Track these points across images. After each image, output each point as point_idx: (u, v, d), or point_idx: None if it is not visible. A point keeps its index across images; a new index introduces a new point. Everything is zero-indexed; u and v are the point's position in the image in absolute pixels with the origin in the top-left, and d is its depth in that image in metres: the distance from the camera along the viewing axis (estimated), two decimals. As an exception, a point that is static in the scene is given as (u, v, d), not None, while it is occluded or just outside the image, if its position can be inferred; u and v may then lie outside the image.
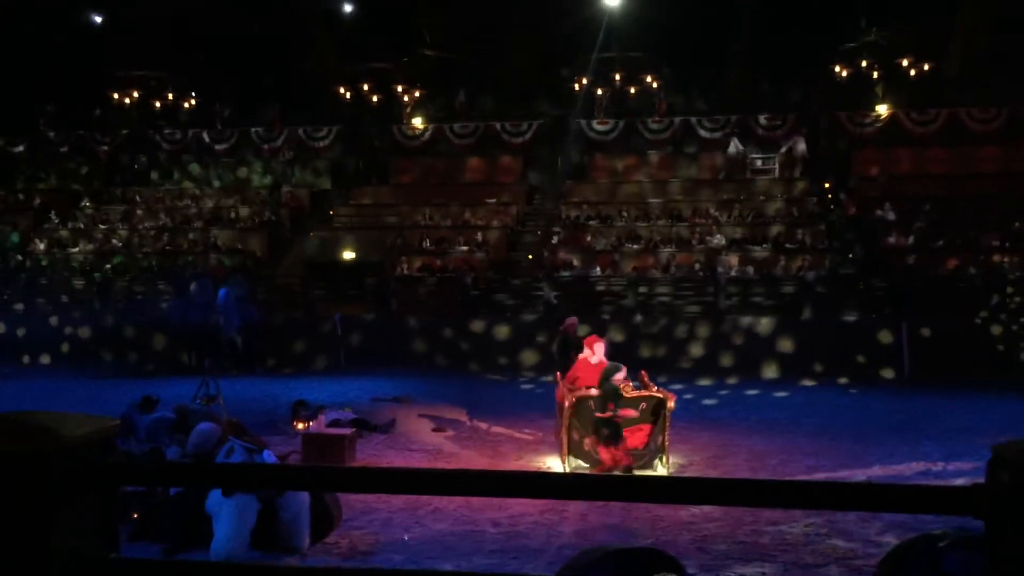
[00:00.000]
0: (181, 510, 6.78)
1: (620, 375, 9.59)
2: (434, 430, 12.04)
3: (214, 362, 16.07)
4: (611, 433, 9.34)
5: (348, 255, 22.28)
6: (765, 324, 18.17)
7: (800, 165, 24.84)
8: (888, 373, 17.28)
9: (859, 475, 9.52)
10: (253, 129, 28.18)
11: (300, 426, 11.06)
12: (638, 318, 18.75)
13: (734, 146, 24.88)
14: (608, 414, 9.40)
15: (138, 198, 27.16)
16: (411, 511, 7.90)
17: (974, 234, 20.95)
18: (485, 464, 10.17)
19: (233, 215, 25.53)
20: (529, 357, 18.30)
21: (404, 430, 11.97)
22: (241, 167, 28.71)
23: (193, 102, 29.35)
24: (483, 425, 12.42)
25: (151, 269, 23.12)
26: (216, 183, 28.40)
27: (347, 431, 10.19)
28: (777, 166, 25.03)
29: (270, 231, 24.58)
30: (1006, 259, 19.93)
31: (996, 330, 17.37)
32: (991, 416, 13.12)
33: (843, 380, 16.82)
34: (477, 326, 19.11)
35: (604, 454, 9.36)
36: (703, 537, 7.29)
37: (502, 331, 18.88)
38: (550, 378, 13.69)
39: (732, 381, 16.95)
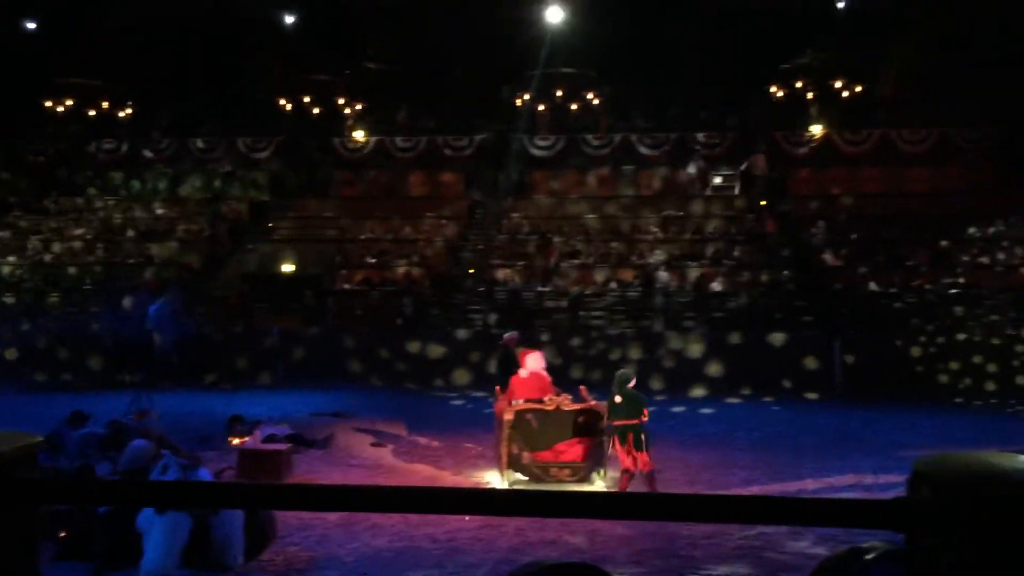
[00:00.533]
0: (110, 528, 6.62)
1: (631, 383, 9.48)
2: (373, 445, 11.96)
3: (148, 376, 15.77)
4: (636, 439, 9.16)
5: (287, 268, 22.04)
6: (700, 340, 18.40)
7: (760, 184, 25.19)
8: (820, 389, 17.58)
9: (792, 488, 9.69)
10: (191, 140, 27.78)
11: (235, 441, 10.90)
12: (575, 334, 18.85)
13: (695, 165, 25.20)
14: (637, 420, 9.21)
15: (71, 209, 26.52)
16: (347, 527, 7.83)
17: (904, 253, 21.50)
18: (424, 479, 10.14)
19: (170, 227, 25.07)
20: (469, 372, 18.26)
21: (342, 445, 11.87)
22: (179, 178, 28.20)
23: (130, 111, 28.81)
24: (423, 440, 12.38)
25: (85, 282, 22.59)
26: (153, 195, 27.82)
27: (283, 446, 10.07)
28: (738, 184, 25.37)
29: (208, 244, 24.20)
30: (927, 278, 20.48)
31: (916, 351, 17.80)
32: (919, 431, 13.45)
33: (776, 395, 17.10)
34: (417, 341, 19.03)
35: (627, 460, 9.14)
36: (639, 551, 7.35)
37: (442, 346, 18.82)
38: (489, 393, 13.67)
39: (667, 396, 17.11)
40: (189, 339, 17.91)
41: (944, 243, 21.57)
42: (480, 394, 16.41)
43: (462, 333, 19.13)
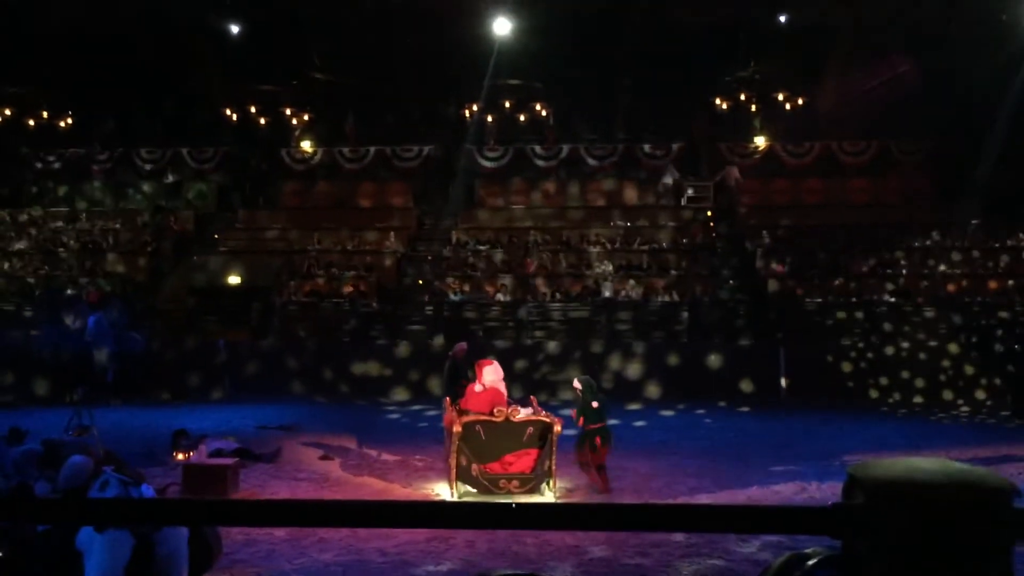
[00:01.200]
0: (49, 547, 6.47)
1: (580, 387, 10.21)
2: (321, 458, 11.86)
3: (87, 391, 15.45)
4: (608, 439, 10.06)
5: (234, 280, 21.78)
6: (649, 349, 18.58)
7: (734, 195, 25.53)
8: (765, 397, 17.84)
9: (740, 495, 9.83)
10: (135, 150, 27.35)
11: (180, 457, 10.75)
12: (526, 342, 18.92)
13: (670, 175, 25.45)
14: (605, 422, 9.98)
15: (9, 219, 25.88)
16: (295, 541, 7.76)
17: (845, 263, 21.94)
18: (374, 492, 10.09)
19: (113, 239, 24.62)
20: (417, 383, 18.20)
21: (290, 459, 11.76)
22: (122, 189, 27.72)
23: (71, 120, 28.23)
24: (372, 452, 12.31)
25: (24, 294, 22.08)
26: (95, 206, 27.29)
27: (229, 461, 9.95)
28: (712, 194, 25.66)
29: (152, 255, 23.82)
30: (869, 287, 20.93)
31: (851, 362, 18.18)
32: (862, 437, 13.72)
33: (723, 403, 17.32)
34: (367, 352, 18.94)
35: (592, 457, 9.94)
36: (588, 561, 7.40)
37: (392, 357, 18.75)
38: (437, 406, 13.66)
39: (615, 406, 17.19)
40: (133, 353, 17.58)
41: (884, 254, 22.06)
42: (428, 407, 16.38)
43: (409, 346, 19.07)
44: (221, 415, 15.63)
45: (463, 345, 12.91)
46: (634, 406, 16.99)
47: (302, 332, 20.07)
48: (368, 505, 2.65)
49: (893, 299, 20.24)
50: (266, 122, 27.76)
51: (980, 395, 17.53)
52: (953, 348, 18.19)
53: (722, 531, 6.22)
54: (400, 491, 10.12)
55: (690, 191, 25.42)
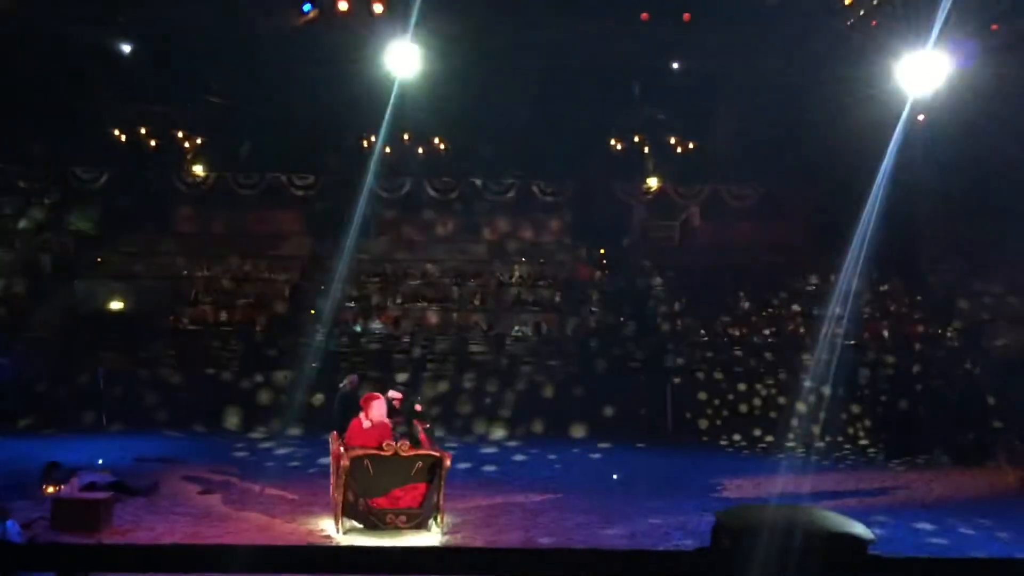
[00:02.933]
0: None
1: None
2: (201, 492, 11.52)
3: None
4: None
5: (116, 306, 21.04)
6: (542, 383, 18.73)
7: (698, 236, 26.26)
8: (653, 433, 18.18)
9: (624, 531, 9.98)
10: (14, 167, 26.20)
11: (51, 490, 10.27)
12: (420, 375, 18.83)
13: (696, 218, 26.09)
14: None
15: None
16: None
17: (730, 303, 22.64)
18: (256, 527, 9.84)
19: (-13, 260, 23.47)
20: (307, 415, 17.84)
21: (168, 493, 11.39)
22: (-1, 207, 26.47)
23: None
24: (255, 486, 12.01)
25: None
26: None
27: (103, 495, 9.58)
28: (677, 235, 26.17)
29: (30, 278, 22.78)
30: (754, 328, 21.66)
31: (739, 393, 18.75)
32: (745, 474, 14.12)
33: (612, 439, 17.55)
34: (255, 382, 18.51)
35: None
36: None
37: (280, 387, 18.38)
38: (325, 439, 13.42)
39: (509, 441, 17.28)
40: (3, 380, 16.75)
41: (765, 296, 22.89)
42: (316, 439, 16.05)
43: (299, 376, 18.74)
44: (97, 446, 14.99)
45: (354, 377, 12.73)
46: (525, 442, 17.05)
47: (187, 361, 19.46)
48: (248, 549, 2.60)
49: (775, 339, 20.97)
50: (157, 144, 27.02)
51: (856, 436, 18.23)
52: (830, 390, 18.91)
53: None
54: (284, 526, 9.91)
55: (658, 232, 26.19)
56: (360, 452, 9.52)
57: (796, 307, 22.64)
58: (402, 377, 18.61)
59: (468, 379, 18.90)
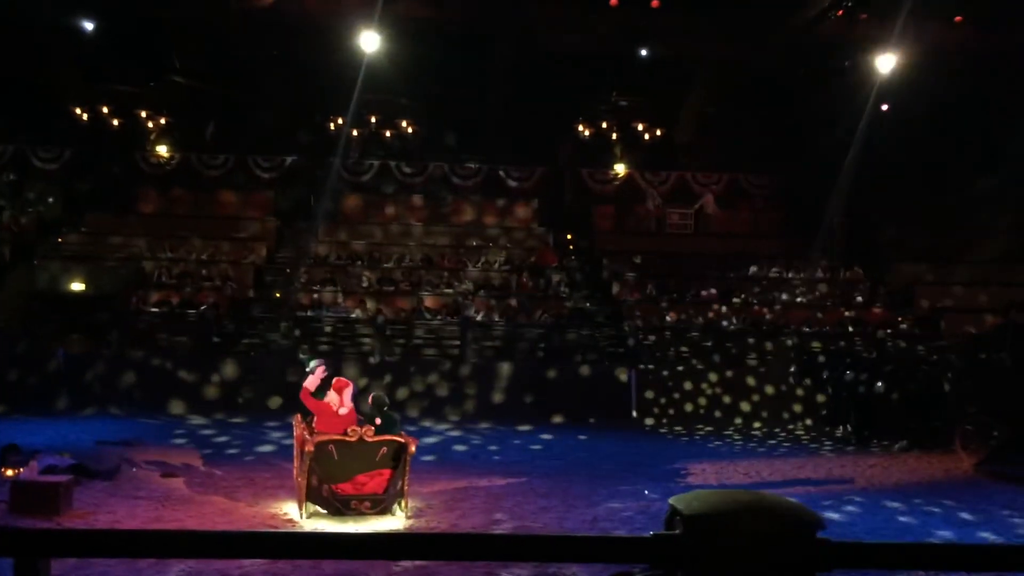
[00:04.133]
0: None
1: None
2: (164, 475, 11.44)
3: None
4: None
5: (77, 286, 20.76)
6: (506, 369, 18.79)
7: (712, 221, 26.39)
8: (618, 417, 18.34)
9: (586, 514, 10.05)
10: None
11: (9, 473, 10.16)
12: (384, 359, 18.80)
13: (651, 200, 25.94)
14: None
15: None
16: (130, 563, 7.44)
17: (697, 288, 22.83)
18: (219, 511, 9.79)
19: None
20: (271, 399, 17.79)
21: (130, 476, 11.28)
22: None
23: None
24: (218, 471, 11.95)
25: None
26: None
27: (63, 478, 9.46)
28: (692, 222, 26.31)
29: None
30: (723, 312, 21.86)
31: (704, 378, 18.96)
32: (711, 458, 14.28)
33: (577, 424, 17.67)
34: (217, 365, 18.38)
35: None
36: (435, 582, 7.41)
37: (244, 371, 18.27)
38: (288, 422, 13.39)
39: (474, 424, 17.33)
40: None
41: (732, 282, 23.11)
42: (280, 423, 16.02)
43: (263, 359, 18.66)
44: (58, 429, 14.84)
45: (321, 362, 12.59)
46: (490, 426, 17.12)
47: (149, 343, 19.27)
48: (209, 535, 2.61)
49: (740, 326, 21.18)
50: (119, 124, 26.65)
51: (819, 422, 18.49)
52: (794, 375, 19.15)
53: (544, 560, 6.34)
54: (246, 510, 9.86)
55: (675, 216, 26.18)
56: (325, 437, 9.46)
57: (761, 293, 22.87)
58: (369, 360, 18.60)
59: (434, 364, 18.90)
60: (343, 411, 9.93)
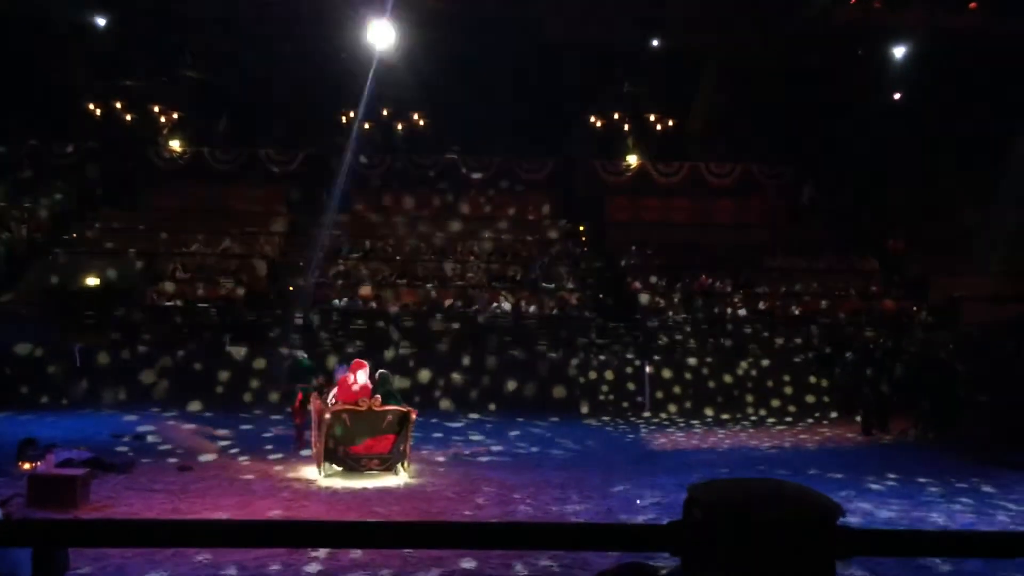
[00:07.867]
0: None
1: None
2: (180, 468, 11.50)
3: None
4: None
5: (92, 282, 20.85)
6: (517, 360, 18.80)
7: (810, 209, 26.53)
8: (632, 409, 18.34)
9: (602, 505, 10.05)
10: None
11: (26, 467, 10.23)
12: (398, 351, 18.83)
13: (807, 193, 26.09)
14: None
15: None
16: (148, 555, 7.48)
17: (709, 279, 22.74)
18: (234, 503, 9.83)
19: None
20: (283, 391, 17.81)
21: (146, 469, 11.35)
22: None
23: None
24: (234, 463, 12.01)
25: None
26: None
27: (79, 472, 9.52)
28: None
29: (4, 253, 22.53)
30: (739, 304, 21.79)
31: (715, 370, 18.91)
32: (721, 449, 14.26)
33: (591, 416, 17.67)
34: (232, 358, 18.44)
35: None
36: (451, 572, 7.42)
37: (258, 363, 18.33)
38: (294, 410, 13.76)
39: (484, 416, 17.35)
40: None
41: (744, 273, 23.01)
42: (287, 414, 16.08)
43: (279, 351, 18.70)
44: (74, 423, 14.94)
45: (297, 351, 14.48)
46: (502, 417, 17.12)
47: (164, 338, 19.35)
48: (228, 524, 2.61)
49: (753, 317, 21.10)
50: (132, 118, 26.74)
51: (832, 413, 18.42)
52: (806, 367, 19.10)
53: (563, 549, 6.35)
54: (261, 502, 9.91)
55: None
56: (340, 407, 11.10)
57: (773, 284, 22.78)
58: (384, 353, 18.62)
59: (447, 354, 18.92)
60: (356, 388, 11.37)
